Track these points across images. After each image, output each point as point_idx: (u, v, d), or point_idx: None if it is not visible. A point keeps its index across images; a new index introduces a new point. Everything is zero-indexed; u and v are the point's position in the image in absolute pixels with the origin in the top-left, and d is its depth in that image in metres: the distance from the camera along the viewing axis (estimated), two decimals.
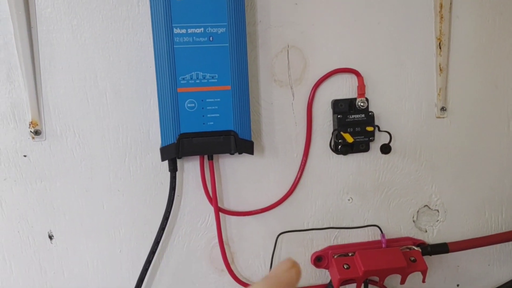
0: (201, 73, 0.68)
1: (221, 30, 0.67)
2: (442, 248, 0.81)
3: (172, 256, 0.79)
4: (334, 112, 0.78)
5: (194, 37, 0.67)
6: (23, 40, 0.69)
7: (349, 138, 0.76)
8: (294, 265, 0.25)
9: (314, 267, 0.82)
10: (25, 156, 0.72)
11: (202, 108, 0.69)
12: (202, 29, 0.67)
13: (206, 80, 0.68)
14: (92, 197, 0.75)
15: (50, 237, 0.75)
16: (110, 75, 0.72)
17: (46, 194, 0.74)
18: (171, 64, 0.67)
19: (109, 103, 0.73)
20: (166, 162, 0.74)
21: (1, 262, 0.74)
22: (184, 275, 0.79)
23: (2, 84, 0.70)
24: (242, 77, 0.69)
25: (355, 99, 0.77)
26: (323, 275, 0.83)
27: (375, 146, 0.80)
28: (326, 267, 0.82)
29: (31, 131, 0.71)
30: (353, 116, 0.77)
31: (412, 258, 0.79)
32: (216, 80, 0.69)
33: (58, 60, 0.71)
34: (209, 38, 0.67)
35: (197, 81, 0.68)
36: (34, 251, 0.75)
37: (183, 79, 0.68)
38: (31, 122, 0.71)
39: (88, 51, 0.71)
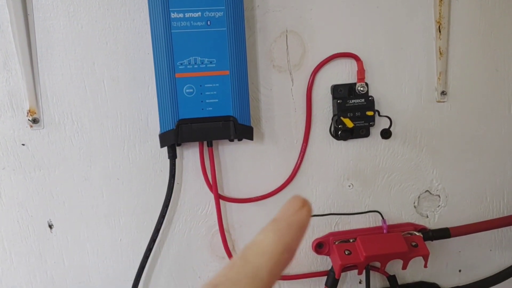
0: (199, 58, 0.67)
1: (218, 14, 0.67)
2: (443, 233, 0.81)
3: (172, 244, 0.78)
4: (334, 98, 0.77)
5: (192, 22, 0.66)
6: (19, 27, 0.68)
7: (349, 123, 0.75)
8: (305, 204, 0.22)
9: (315, 254, 0.81)
10: (23, 144, 0.72)
11: (201, 93, 0.68)
12: (200, 13, 0.66)
13: (204, 65, 0.68)
14: (91, 186, 0.75)
15: (50, 226, 0.75)
16: (107, 62, 0.72)
17: (45, 183, 0.73)
18: (168, 49, 0.66)
19: (107, 90, 0.72)
20: (166, 149, 0.74)
21: (1, 251, 0.74)
22: (185, 262, 0.79)
23: None
24: (241, 62, 0.69)
25: (355, 84, 0.77)
26: (324, 262, 0.83)
27: (375, 131, 0.79)
28: (327, 254, 0.81)
29: (29, 120, 0.71)
30: (353, 101, 0.76)
31: (414, 243, 0.78)
32: (214, 65, 0.68)
33: (55, 47, 0.70)
34: (207, 23, 0.67)
35: (195, 66, 0.67)
36: (34, 241, 0.75)
37: (181, 64, 0.67)
38: (29, 111, 0.71)
39: (85, 38, 0.71)
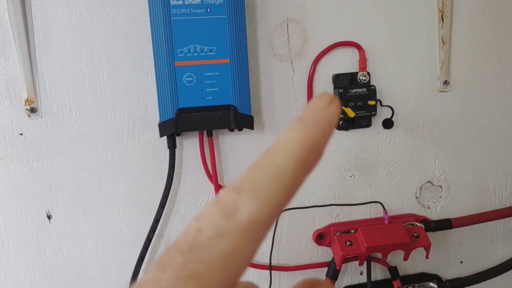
0: (199, 46, 0.67)
1: (218, 1, 0.66)
2: (445, 224, 0.81)
3: (172, 234, 0.78)
4: (335, 87, 0.76)
5: (191, 9, 0.65)
6: (16, 14, 0.67)
7: (351, 113, 0.75)
8: (333, 101, 0.19)
9: (315, 245, 0.81)
10: (21, 134, 0.71)
11: (201, 82, 0.68)
12: (199, 0, 0.65)
13: (204, 53, 0.67)
14: (90, 176, 0.74)
15: (49, 216, 0.74)
16: (106, 50, 0.71)
17: (43, 173, 0.73)
18: (168, 37, 0.65)
19: (106, 79, 0.72)
20: (165, 139, 0.73)
21: (0, 242, 0.74)
22: None
23: None
24: (241, 50, 0.68)
25: (357, 73, 0.76)
26: (325, 253, 0.83)
27: (377, 121, 0.79)
28: (328, 245, 0.81)
29: (27, 109, 0.70)
30: (354, 90, 0.75)
31: (415, 234, 0.78)
32: (214, 53, 0.67)
33: (53, 35, 0.69)
34: (207, 10, 0.66)
35: (195, 54, 0.67)
36: (33, 231, 0.74)
37: (181, 52, 0.66)
38: (27, 100, 0.70)
39: (83, 25, 0.70)
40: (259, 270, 0.80)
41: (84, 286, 0.77)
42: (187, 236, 0.16)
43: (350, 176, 0.81)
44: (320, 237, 0.81)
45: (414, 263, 0.86)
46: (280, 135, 0.18)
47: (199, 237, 0.16)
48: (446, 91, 0.80)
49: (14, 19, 0.67)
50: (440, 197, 0.84)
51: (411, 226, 0.80)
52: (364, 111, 0.76)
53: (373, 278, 0.82)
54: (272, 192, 0.17)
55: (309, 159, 0.18)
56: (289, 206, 0.77)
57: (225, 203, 0.17)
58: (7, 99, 0.70)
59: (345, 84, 0.76)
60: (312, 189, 0.80)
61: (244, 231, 0.16)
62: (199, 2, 0.65)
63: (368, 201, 0.82)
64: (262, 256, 0.79)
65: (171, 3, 0.65)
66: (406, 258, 0.78)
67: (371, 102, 0.75)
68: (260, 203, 0.17)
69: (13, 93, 0.70)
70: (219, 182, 0.76)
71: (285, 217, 0.80)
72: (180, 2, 0.65)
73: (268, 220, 0.17)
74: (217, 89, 0.68)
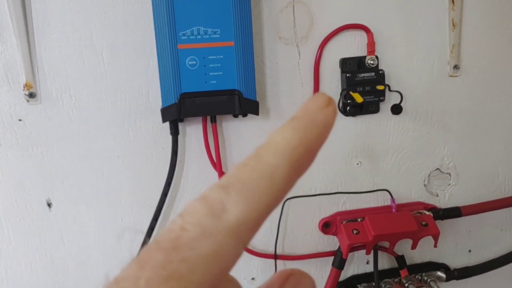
0: (202, 28, 0.64)
1: None
2: (454, 212, 0.79)
3: None
4: (343, 72, 0.74)
5: None
6: None
7: (359, 98, 0.73)
8: (330, 102, 0.18)
9: (321, 234, 0.79)
10: (20, 120, 0.69)
11: (204, 65, 0.65)
12: None
13: (207, 36, 0.65)
14: (91, 163, 0.72)
15: (49, 205, 0.73)
16: (106, 34, 0.69)
17: (43, 160, 0.71)
18: (170, 18, 0.63)
19: (106, 63, 0.69)
20: (167, 125, 0.71)
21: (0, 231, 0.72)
22: None
23: None
24: (246, 32, 0.66)
25: (365, 57, 0.74)
26: (331, 242, 0.81)
27: (385, 107, 0.77)
28: (335, 233, 0.79)
29: (25, 94, 0.68)
30: (362, 75, 0.73)
31: (424, 223, 0.76)
32: (218, 36, 0.65)
33: (51, 18, 0.67)
34: None
35: (198, 36, 0.64)
36: (33, 220, 0.73)
37: (184, 34, 0.64)
38: (25, 84, 0.68)
39: (83, 7, 0.67)
40: (264, 259, 0.78)
41: (86, 275, 0.75)
42: (170, 233, 0.15)
43: (357, 164, 0.79)
44: (326, 226, 0.79)
45: (421, 252, 0.84)
46: (273, 133, 0.18)
47: (182, 236, 0.15)
48: (456, 76, 0.78)
49: (12, 1, 0.65)
50: (449, 185, 0.82)
51: (419, 214, 0.78)
52: (372, 97, 0.73)
53: (379, 267, 0.80)
54: (261, 193, 0.16)
55: (301, 162, 0.17)
56: (294, 194, 0.76)
57: (213, 202, 0.16)
58: (5, 84, 0.68)
59: (353, 69, 0.74)
60: (318, 176, 0.78)
61: (230, 233, 0.16)
62: None
63: (375, 189, 0.80)
64: (267, 244, 0.78)
65: None
66: (414, 247, 0.76)
67: (380, 87, 0.73)
68: (249, 204, 0.16)
69: (11, 78, 0.68)
70: (223, 170, 0.74)
71: (290, 206, 0.78)
72: None
73: (256, 222, 0.16)
74: (221, 73, 0.66)
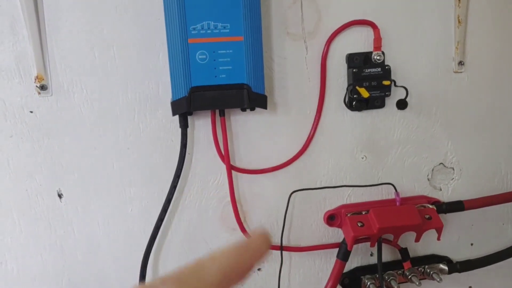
0: (212, 23, 0.65)
1: None
2: (457, 206, 0.80)
3: (183, 214, 0.77)
4: (349, 67, 0.75)
5: None
6: None
7: (365, 93, 0.74)
8: (268, 244, 0.24)
9: (326, 226, 0.81)
10: (31, 112, 0.70)
11: (214, 60, 0.66)
12: None
13: (217, 30, 0.66)
14: (101, 155, 0.73)
15: (59, 195, 0.74)
16: (117, 27, 0.69)
17: (54, 152, 0.72)
18: (181, 13, 0.64)
19: (117, 57, 0.70)
20: (177, 119, 0.72)
21: (10, 221, 0.73)
22: (196, 233, 0.78)
23: (5, 36, 0.67)
24: (255, 27, 0.67)
25: (371, 52, 0.75)
26: (336, 234, 0.82)
27: (390, 102, 0.78)
28: (339, 226, 0.81)
29: (37, 86, 0.69)
30: (368, 70, 0.74)
31: (427, 216, 0.77)
32: (228, 30, 0.66)
33: (63, 11, 0.68)
34: None
35: (209, 31, 0.65)
36: (43, 210, 0.74)
37: (194, 29, 0.65)
38: (37, 77, 0.69)
39: (94, 1, 0.68)
40: (269, 250, 0.79)
41: (95, 265, 0.76)
42: None
43: (362, 157, 0.80)
44: (331, 218, 0.80)
45: (424, 245, 0.86)
46: (216, 252, 0.23)
47: None
48: (461, 72, 0.79)
49: None
50: (452, 179, 0.84)
51: (423, 208, 0.79)
52: (378, 92, 0.74)
53: (383, 259, 0.81)
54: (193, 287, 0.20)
55: (232, 277, 0.22)
56: (300, 186, 0.77)
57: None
58: (17, 76, 0.69)
59: (359, 64, 0.75)
60: (324, 170, 0.79)
61: None
62: None
63: (380, 182, 0.81)
64: (273, 236, 0.79)
65: None
66: (417, 239, 0.78)
67: (386, 82, 0.74)
68: None
69: (22, 70, 0.69)
70: (231, 163, 0.76)
71: (296, 198, 0.80)
72: None
73: None
74: (230, 67, 0.67)
